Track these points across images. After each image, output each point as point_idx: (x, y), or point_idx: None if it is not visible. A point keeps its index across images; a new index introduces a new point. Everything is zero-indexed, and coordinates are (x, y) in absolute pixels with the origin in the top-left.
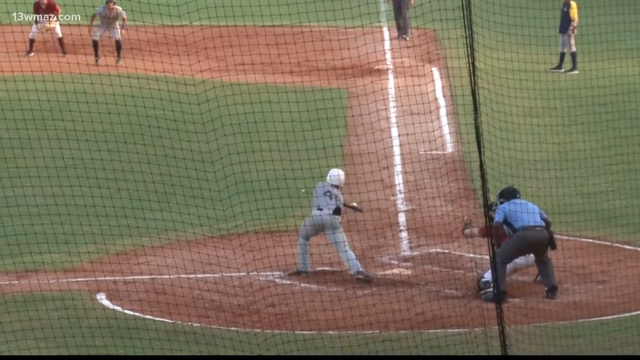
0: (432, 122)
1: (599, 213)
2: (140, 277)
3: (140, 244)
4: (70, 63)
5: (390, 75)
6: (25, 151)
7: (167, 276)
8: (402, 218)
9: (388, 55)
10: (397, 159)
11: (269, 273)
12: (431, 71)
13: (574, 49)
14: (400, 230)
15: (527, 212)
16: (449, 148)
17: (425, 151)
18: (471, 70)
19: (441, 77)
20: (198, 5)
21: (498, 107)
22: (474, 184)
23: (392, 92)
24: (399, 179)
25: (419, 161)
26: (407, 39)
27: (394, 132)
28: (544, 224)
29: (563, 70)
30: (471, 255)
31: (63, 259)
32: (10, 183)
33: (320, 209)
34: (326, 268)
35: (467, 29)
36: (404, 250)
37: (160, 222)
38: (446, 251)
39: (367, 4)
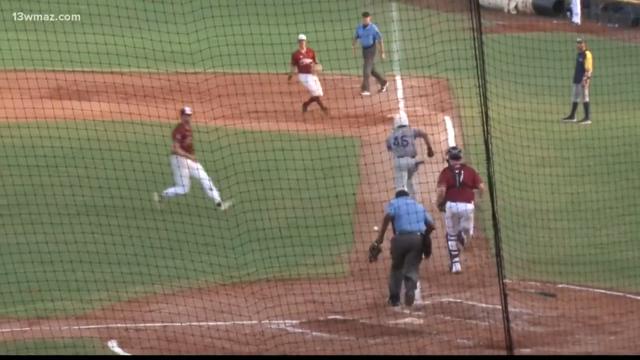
0: None
1: (612, 264)
2: (152, 324)
3: (152, 291)
4: (84, 110)
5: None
6: (38, 197)
7: (178, 324)
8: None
9: (401, 104)
10: None
11: (281, 321)
12: (444, 120)
13: (587, 99)
14: None
15: (409, 213)
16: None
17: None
18: (484, 120)
19: (454, 126)
20: (212, 53)
21: (510, 156)
22: (486, 233)
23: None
24: None
25: (431, 210)
26: (384, 89)
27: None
28: (422, 229)
29: (575, 120)
30: (483, 305)
31: (74, 305)
32: (22, 229)
33: (401, 156)
34: (338, 317)
35: (480, 79)
36: (416, 300)
37: (172, 270)
38: (458, 301)
39: (381, 52)
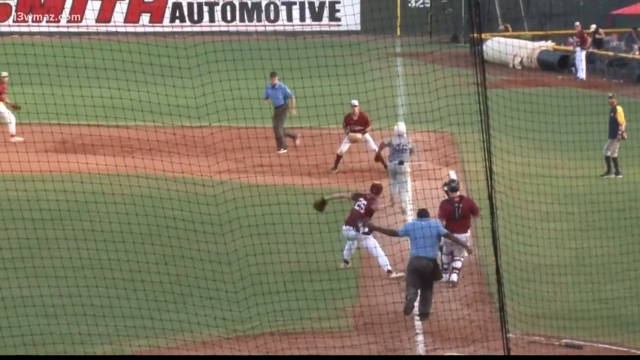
0: None
1: (617, 319)
2: None
3: (156, 344)
4: (89, 163)
5: (408, 178)
6: (43, 251)
7: None
8: (418, 322)
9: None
10: None
11: None
12: (448, 174)
13: (608, 153)
14: (417, 334)
15: (422, 237)
16: (465, 252)
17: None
18: (488, 174)
19: (458, 181)
20: (217, 107)
21: (515, 211)
22: (489, 288)
23: (409, 194)
24: None
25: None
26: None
27: None
28: (434, 255)
29: (620, 175)
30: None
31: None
32: (27, 283)
33: (391, 161)
34: None
35: (484, 133)
36: (420, 353)
37: (176, 323)
38: (462, 355)
39: (386, 107)
